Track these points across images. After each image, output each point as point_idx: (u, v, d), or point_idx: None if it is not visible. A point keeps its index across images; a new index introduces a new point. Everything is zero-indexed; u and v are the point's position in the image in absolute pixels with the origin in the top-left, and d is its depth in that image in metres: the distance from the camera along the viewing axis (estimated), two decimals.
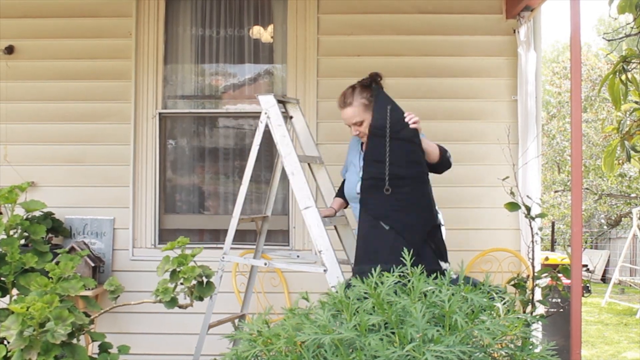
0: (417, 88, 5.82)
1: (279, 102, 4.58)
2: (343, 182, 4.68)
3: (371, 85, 4.25)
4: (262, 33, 6.28)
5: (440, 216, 4.15)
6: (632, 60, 4.81)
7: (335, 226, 4.74)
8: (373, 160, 4.01)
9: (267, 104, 4.47)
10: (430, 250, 3.90)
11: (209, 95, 6.35)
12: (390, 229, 3.89)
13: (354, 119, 4.29)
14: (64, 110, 6.11)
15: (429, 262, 3.75)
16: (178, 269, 3.62)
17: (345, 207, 4.72)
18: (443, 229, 4.14)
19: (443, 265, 3.89)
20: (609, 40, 6.02)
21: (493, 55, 6.02)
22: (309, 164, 4.84)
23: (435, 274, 3.51)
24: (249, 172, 4.59)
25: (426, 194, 4.00)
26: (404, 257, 3.78)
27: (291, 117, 4.85)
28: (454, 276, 3.79)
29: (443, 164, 4.21)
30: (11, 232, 3.69)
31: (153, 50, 6.13)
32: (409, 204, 3.95)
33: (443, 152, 4.20)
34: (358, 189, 4.22)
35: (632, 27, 5.36)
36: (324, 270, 4.21)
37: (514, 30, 5.91)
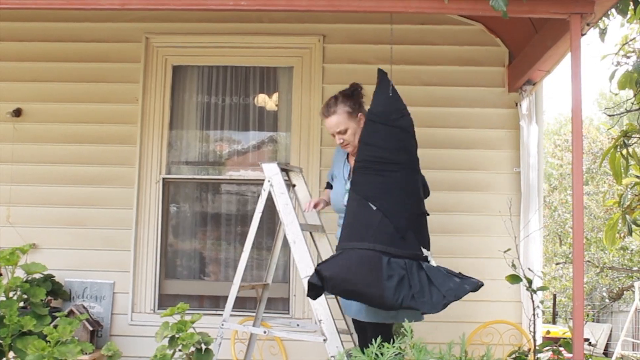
0: (421, 159, 5.85)
1: (282, 170, 4.62)
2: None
3: (353, 94, 4.45)
4: (267, 101, 6.36)
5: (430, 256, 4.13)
6: (633, 135, 4.86)
7: (311, 235, 4.85)
8: (366, 144, 4.12)
9: (271, 172, 4.51)
10: (414, 235, 3.89)
11: (212, 162, 6.39)
12: (377, 210, 3.95)
13: (338, 127, 4.41)
14: (69, 173, 6.14)
15: (411, 247, 3.86)
16: (177, 336, 3.60)
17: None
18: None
19: (425, 252, 3.88)
20: (610, 115, 6.09)
21: (495, 127, 6.07)
22: (310, 233, 4.85)
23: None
24: (250, 238, 4.59)
25: (414, 182, 4.09)
26: (389, 238, 3.84)
27: (294, 186, 4.89)
28: (434, 264, 3.80)
29: None
30: (10, 294, 3.69)
31: (159, 116, 6.19)
32: (397, 188, 4.01)
33: None
34: (345, 201, 4.29)
35: (632, 103, 5.44)
36: (324, 340, 4.18)
37: (516, 104, 5.97)
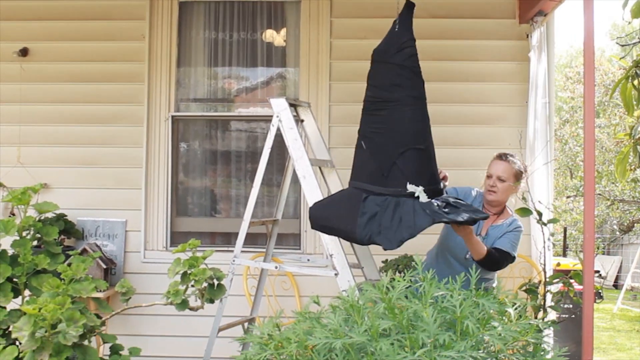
0: (428, 92, 5.79)
1: (291, 105, 4.60)
2: None
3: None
4: (274, 36, 6.29)
5: None
6: None
7: (321, 170, 4.87)
8: (369, 84, 4.18)
9: (279, 107, 4.49)
10: (401, 173, 3.90)
11: (221, 99, 6.37)
12: (366, 148, 4.03)
13: (503, 174, 4.47)
14: (77, 113, 6.14)
15: (395, 184, 3.86)
16: (189, 272, 3.62)
17: None
18: None
19: (411, 188, 3.85)
20: (622, 45, 5.99)
21: (505, 60, 6.02)
22: (320, 168, 4.85)
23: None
24: (260, 175, 4.60)
25: (404, 118, 4.01)
26: (371, 176, 3.90)
27: (302, 121, 4.87)
28: (423, 199, 3.80)
29: (485, 264, 4.19)
30: (24, 234, 3.70)
31: (166, 53, 6.15)
32: (384, 126, 4.01)
33: (490, 256, 4.19)
34: (468, 255, 4.31)
35: None
36: (335, 274, 4.21)
37: (527, 35, 5.89)
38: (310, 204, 4.25)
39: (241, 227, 4.69)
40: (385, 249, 3.80)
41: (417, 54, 4.06)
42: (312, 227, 4.14)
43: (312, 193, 4.30)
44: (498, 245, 4.30)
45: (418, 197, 3.82)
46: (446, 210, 3.79)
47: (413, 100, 4.05)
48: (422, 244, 5.42)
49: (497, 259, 4.24)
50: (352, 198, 3.94)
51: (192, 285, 3.65)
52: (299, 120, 4.82)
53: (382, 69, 4.10)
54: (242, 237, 4.68)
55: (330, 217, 4.02)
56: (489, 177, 4.51)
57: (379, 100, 4.06)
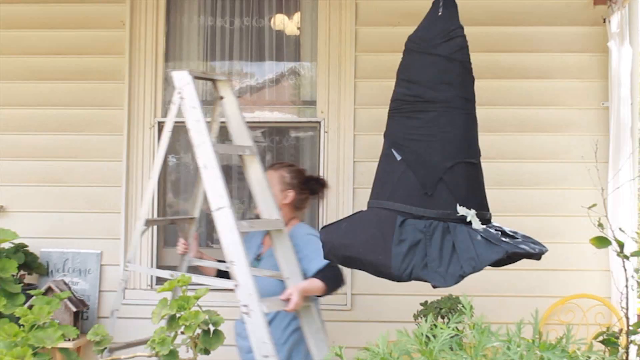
0: (480, 92, 5.73)
1: (207, 79, 4.68)
2: None
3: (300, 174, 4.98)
4: (286, 23, 6.32)
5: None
6: None
7: (242, 157, 4.87)
8: (400, 79, 4.12)
9: (181, 81, 4.54)
10: (447, 191, 3.86)
11: None
12: (401, 160, 3.93)
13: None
14: (41, 118, 6.17)
15: (441, 205, 3.78)
16: (178, 315, 3.62)
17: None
18: None
19: (462, 210, 3.81)
20: None
21: (577, 51, 5.99)
22: (240, 155, 4.87)
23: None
24: (158, 164, 4.69)
25: (455, 124, 3.96)
26: (410, 195, 3.83)
27: (222, 98, 4.90)
28: (477, 226, 3.76)
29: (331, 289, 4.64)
30: None
31: (151, 45, 6.18)
32: (429, 133, 3.93)
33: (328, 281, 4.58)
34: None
35: None
36: (235, 285, 4.27)
37: (604, 20, 5.86)
38: (212, 200, 4.32)
39: (136, 227, 4.76)
40: (434, 287, 3.77)
41: (468, 47, 4.05)
42: (327, 258, 4.08)
43: (213, 187, 4.36)
44: (313, 266, 4.60)
45: (470, 222, 3.78)
46: (506, 239, 3.76)
47: (464, 103, 4.01)
48: (474, 283, 5.41)
49: (334, 277, 4.63)
50: (382, 222, 3.84)
51: (182, 332, 3.64)
52: (217, 97, 4.87)
53: (423, 61, 4.02)
54: (137, 239, 4.84)
55: (354, 245, 3.92)
56: None
57: (420, 100, 3.99)
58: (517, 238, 3.81)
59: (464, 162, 3.92)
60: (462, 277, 3.65)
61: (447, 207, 3.82)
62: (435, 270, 3.67)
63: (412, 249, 3.73)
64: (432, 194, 3.83)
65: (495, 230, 3.83)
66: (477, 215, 3.82)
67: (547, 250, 3.78)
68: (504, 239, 3.74)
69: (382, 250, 3.77)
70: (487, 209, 3.98)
